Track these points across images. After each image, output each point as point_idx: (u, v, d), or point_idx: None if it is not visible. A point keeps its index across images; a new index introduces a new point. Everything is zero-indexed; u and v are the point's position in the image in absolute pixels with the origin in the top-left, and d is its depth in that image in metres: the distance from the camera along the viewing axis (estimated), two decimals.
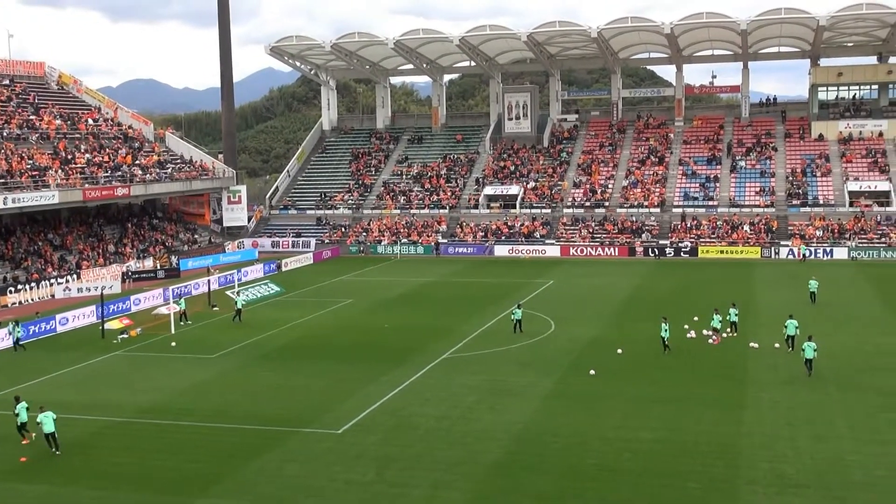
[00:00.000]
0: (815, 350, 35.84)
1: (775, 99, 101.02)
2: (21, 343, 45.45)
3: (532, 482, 25.34)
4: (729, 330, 43.76)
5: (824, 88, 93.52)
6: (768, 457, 26.71)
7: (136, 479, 26.47)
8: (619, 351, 40.78)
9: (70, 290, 62.46)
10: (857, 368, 37.08)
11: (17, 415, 29.62)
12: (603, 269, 70.18)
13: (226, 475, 26.47)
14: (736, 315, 44.14)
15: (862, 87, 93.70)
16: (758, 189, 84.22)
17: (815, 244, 74.94)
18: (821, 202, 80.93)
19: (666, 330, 40.38)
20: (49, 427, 28.68)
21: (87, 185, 71.99)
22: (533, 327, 46.49)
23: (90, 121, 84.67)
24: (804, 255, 72.97)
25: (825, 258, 73.20)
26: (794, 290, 56.05)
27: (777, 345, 41.05)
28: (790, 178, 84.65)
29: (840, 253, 73.61)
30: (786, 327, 40.79)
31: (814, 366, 35.94)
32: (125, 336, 47.59)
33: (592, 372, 37.03)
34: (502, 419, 31.10)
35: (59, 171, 71.51)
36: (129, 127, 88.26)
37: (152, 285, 64.71)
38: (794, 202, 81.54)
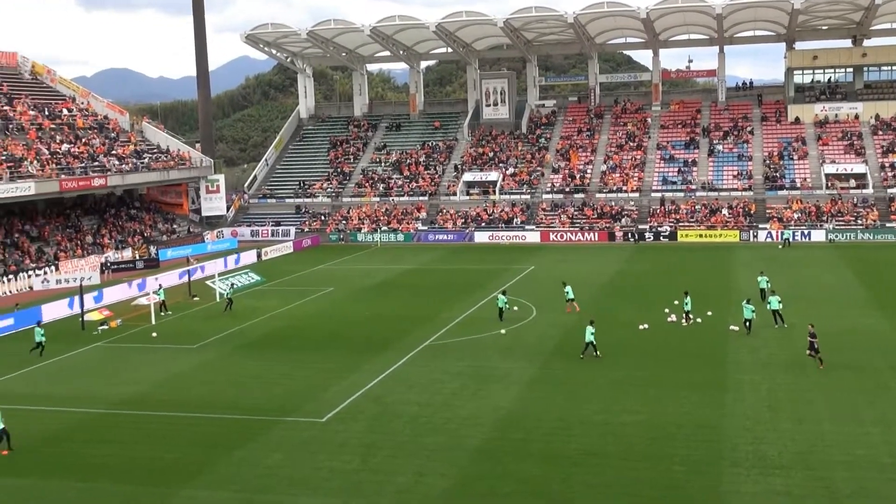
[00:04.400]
0: (753, 311, 40.44)
1: (751, 83, 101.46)
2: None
3: (516, 467, 25.43)
4: (684, 320, 43.34)
5: (800, 72, 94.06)
6: (750, 439, 26.92)
7: (118, 470, 26.36)
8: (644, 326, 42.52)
9: (48, 281, 62.09)
10: (836, 349, 37.28)
11: None
12: (583, 255, 70.39)
13: (209, 465, 26.41)
14: (688, 304, 43.52)
15: (837, 71, 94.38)
16: (735, 173, 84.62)
17: (792, 227, 75.39)
18: (798, 185, 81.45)
19: (593, 333, 37.61)
20: None
21: (63, 176, 71.40)
22: (515, 313, 46.56)
23: (65, 111, 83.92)
24: (786, 239, 73.02)
25: (803, 240, 73.68)
26: (774, 273, 56.28)
27: (733, 327, 41.58)
28: (767, 162, 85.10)
29: (818, 235, 74.14)
30: (769, 303, 42.32)
31: (752, 326, 40.28)
32: (105, 327, 47.29)
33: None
34: (486, 405, 31.19)
35: (35, 162, 70.88)
36: (105, 117, 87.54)
37: (131, 276, 64.33)
38: (772, 185, 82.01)
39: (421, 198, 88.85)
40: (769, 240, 74.10)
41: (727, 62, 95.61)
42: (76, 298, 50.29)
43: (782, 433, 27.31)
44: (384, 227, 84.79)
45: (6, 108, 78.21)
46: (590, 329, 37.54)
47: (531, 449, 26.81)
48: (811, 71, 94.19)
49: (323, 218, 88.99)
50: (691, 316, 43.51)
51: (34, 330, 42.76)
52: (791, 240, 73.02)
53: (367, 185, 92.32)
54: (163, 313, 50.63)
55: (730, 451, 26.02)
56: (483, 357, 38.19)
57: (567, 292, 47.09)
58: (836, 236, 73.73)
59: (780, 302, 41.95)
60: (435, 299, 52.55)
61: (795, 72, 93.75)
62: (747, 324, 40.55)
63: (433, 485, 24.49)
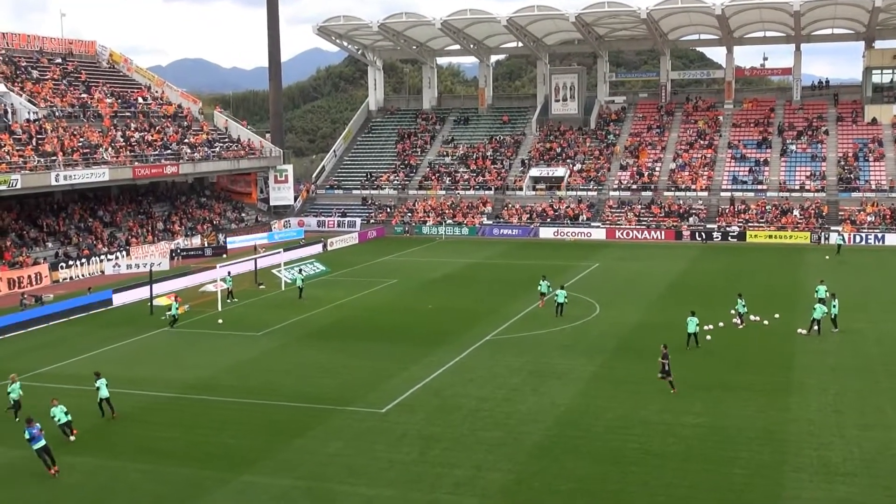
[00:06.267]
0: (824, 312, 40.21)
1: (828, 82, 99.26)
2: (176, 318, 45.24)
3: (574, 465, 25.30)
4: (739, 321, 42.55)
5: (879, 71, 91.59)
6: (815, 444, 26.39)
7: (181, 454, 26.87)
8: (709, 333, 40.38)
9: (119, 266, 63.39)
10: None
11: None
12: (649, 253, 69.65)
13: (270, 452, 26.75)
14: (744, 307, 42.76)
15: None
16: (808, 173, 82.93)
17: (866, 230, 73.62)
18: (873, 187, 79.54)
19: (697, 324, 38.21)
20: (104, 392, 29.41)
21: (136, 164, 72.81)
22: (577, 310, 46.28)
23: (140, 99, 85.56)
24: (839, 245, 68.77)
25: (877, 243, 71.90)
26: (842, 277, 55.11)
27: (801, 330, 40.69)
28: (842, 163, 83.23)
29: (892, 239, 72.25)
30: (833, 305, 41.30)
31: (822, 325, 40.02)
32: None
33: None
34: (545, 401, 31.07)
35: (110, 148, 72.40)
36: (179, 106, 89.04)
37: (200, 263, 65.39)
38: (845, 187, 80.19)
39: (487, 192, 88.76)
40: (840, 242, 71.61)
41: (803, 60, 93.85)
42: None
43: (848, 439, 26.73)
44: (449, 221, 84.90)
45: (84, 95, 80.00)
46: (694, 320, 37.89)
47: (590, 447, 26.65)
48: (890, 71, 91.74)
49: (389, 210, 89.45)
50: (750, 317, 42.82)
51: (171, 304, 46.10)
52: (843, 244, 69.12)
53: (433, 178, 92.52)
54: (229, 300, 51.38)
55: (793, 455, 25.55)
56: (544, 353, 38.04)
57: (541, 285, 48.66)
58: None
59: (835, 307, 41.01)
60: (497, 294, 52.49)
61: (874, 71, 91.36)
62: (817, 324, 39.81)
63: (491, 479, 24.48)
